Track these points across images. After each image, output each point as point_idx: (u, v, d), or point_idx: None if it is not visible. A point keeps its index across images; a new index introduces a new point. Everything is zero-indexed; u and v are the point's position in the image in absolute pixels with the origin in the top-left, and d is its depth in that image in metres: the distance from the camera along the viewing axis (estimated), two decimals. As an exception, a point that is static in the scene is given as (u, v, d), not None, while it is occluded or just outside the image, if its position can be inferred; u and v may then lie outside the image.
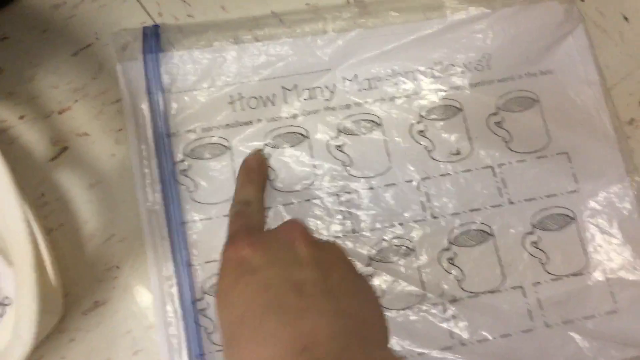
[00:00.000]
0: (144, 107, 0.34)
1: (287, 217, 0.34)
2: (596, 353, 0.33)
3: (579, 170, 0.36)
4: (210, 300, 0.32)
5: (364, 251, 0.34)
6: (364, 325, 0.23)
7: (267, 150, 0.35)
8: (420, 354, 0.33)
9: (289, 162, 0.35)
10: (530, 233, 0.35)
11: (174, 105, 0.35)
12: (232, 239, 0.27)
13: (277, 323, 0.21)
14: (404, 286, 0.34)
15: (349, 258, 0.27)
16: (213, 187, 0.34)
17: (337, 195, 0.35)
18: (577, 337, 0.33)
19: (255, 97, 0.36)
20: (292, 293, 0.23)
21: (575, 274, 0.35)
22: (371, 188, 0.35)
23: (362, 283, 0.26)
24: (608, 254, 0.35)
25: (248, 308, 0.23)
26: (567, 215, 0.35)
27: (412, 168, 0.35)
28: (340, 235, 0.34)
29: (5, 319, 0.31)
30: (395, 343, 0.33)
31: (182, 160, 0.34)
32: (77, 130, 0.35)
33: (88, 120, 0.35)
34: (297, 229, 0.26)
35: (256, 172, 0.33)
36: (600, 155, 0.37)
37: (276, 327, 0.21)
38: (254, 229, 0.28)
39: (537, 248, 0.35)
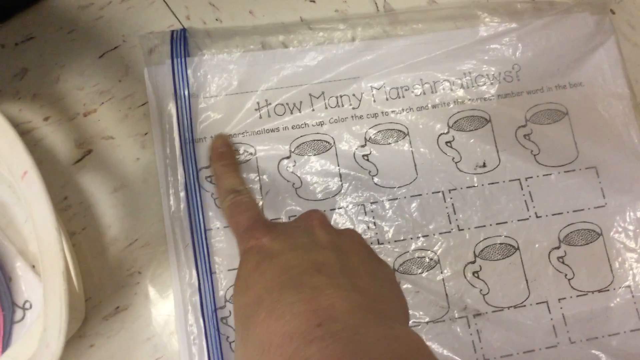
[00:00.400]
0: (171, 111, 0.34)
1: (311, 226, 0.34)
2: (621, 371, 0.32)
3: (606, 185, 0.36)
4: (231, 309, 0.32)
5: (389, 263, 0.34)
6: (382, 303, 0.23)
7: (293, 157, 0.34)
8: (443, 367, 0.32)
9: (314, 170, 0.34)
10: (557, 248, 0.34)
11: (200, 111, 0.34)
12: (249, 230, 0.26)
13: (293, 298, 0.21)
14: (428, 299, 0.33)
15: (368, 244, 0.27)
16: (237, 193, 0.34)
17: (362, 205, 0.34)
18: (601, 355, 0.33)
19: (282, 104, 0.35)
20: (310, 272, 0.22)
21: (600, 290, 0.34)
22: (396, 199, 0.35)
23: (381, 266, 0.26)
24: (634, 270, 0.35)
25: (266, 289, 0.22)
26: (594, 231, 0.35)
27: (438, 179, 0.35)
28: (364, 245, 0.34)
29: (28, 323, 0.31)
30: (419, 356, 0.32)
31: (207, 167, 0.34)
32: (102, 133, 0.34)
33: (113, 124, 0.34)
34: (316, 216, 0.27)
35: (228, 156, 0.33)
36: (628, 170, 0.36)
37: (292, 303, 0.21)
38: (264, 217, 0.28)
39: (563, 263, 0.34)
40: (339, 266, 0.23)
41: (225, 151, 0.33)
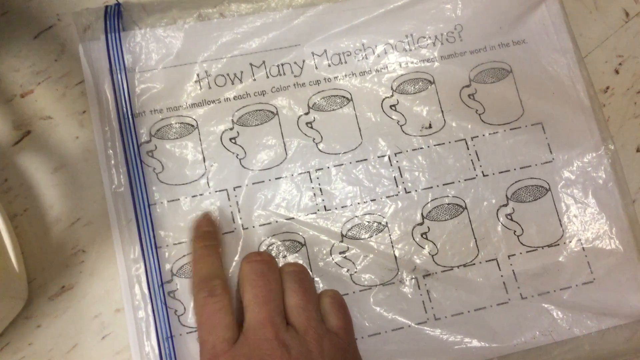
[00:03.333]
0: (107, 87, 0.32)
1: (258, 197, 0.33)
2: (571, 324, 0.32)
3: (553, 140, 0.35)
4: (179, 282, 0.31)
5: (336, 228, 0.33)
6: None
7: (236, 128, 0.33)
8: (394, 329, 0.31)
9: (257, 140, 0.33)
10: (505, 205, 0.34)
11: (138, 84, 0.33)
12: (213, 355, 0.26)
13: None
14: (377, 262, 0.32)
15: (344, 333, 0.28)
16: (180, 167, 0.32)
17: (308, 172, 0.33)
18: (552, 308, 0.32)
19: (222, 75, 0.34)
20: None
21: (550, 245, 0.33)
22: (342, 164, 0.34)
23: None
24: (584, 224, 0.34)
25: None
26: (542, 187, 0.34)
27: (383, 143, 0.34)
28: (311, 212, 0.33)
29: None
30: (369, 320, 0.31)
31: (148, 141, 0.33)
32: (40, 113, 0.33)
33: (51, 103, 0.33)
34: (276, 355, 0.25)
35: (212, 237, 0.30)
36: (574, 124, 0.35)
37: None
38: (227, 347, 0.26)
39: (512, 220, 0.33)
40: None
41: (210, 231, 0.31)
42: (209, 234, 0.30)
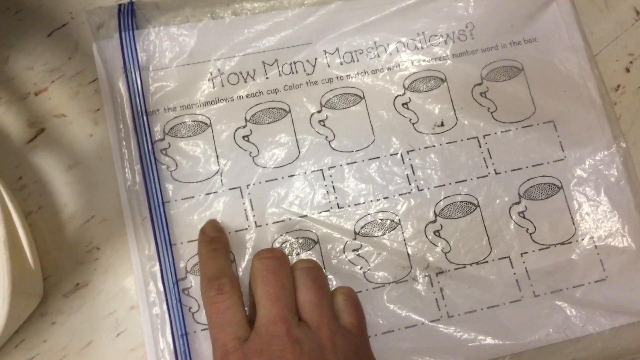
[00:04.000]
0: (121, 85, 0.32)
1: (271, 194, 0.32)
2: (585, 321, 0.31)
3: (565, 138, 0.34)
4: (194, 280, 0.31)
5: (349, 226, 0.32)
6: None
7: (249, 126, 0.33)
8: (408, 327, 0.31)
9: (270, 138, 0.33)
10: (517, 203, 0.33)
11: (152, 83, 0.33)
12: (224, 353, 0.26)
13: None
14: (390, 260, 0.32)
15: (356, 330, 0.28)
16: (194, 165, 0.32)
17: (321, 170, 0.33)
18: (565, 306, 0.32)
19: (235, 73, 0.34)
20: None
21: (562, 243, 0.33)
22: (355, 162, 0.33)
23: None
24: (596, 221, 0.34)
25: None
26: (554, 184, 0.34)
27: (396, 141, 0.34)
28: (324, 210, 0.33)
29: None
30: (383, 317, 0.31)
31: (162, 139, 0.33)
32: (54, 111, 0.33)
33: (65, 101, 0.33)
34: (288, 351, 0.25)
35: (218, 241, 0.30)
36: (586, 122, 0.35)
37: None
38: (239, 344, 0.26)
39: (524, 218, 0.33)
40: None
41: (216, 237, 0.30)
42: (216, 239, 0.30)
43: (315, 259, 0.32)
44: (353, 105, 0.34)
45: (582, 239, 0.33)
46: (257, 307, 0.27)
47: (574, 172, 0.34)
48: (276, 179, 0.33)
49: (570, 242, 0.33)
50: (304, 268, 0.29)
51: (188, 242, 0.31)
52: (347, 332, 0.28)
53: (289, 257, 0.32)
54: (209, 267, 0.29)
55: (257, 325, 0.27)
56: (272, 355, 0.25)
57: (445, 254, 0.32)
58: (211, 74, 0.33)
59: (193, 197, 0.32)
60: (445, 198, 0.33)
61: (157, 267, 0.30)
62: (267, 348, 0.25)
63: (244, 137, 0.33)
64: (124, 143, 0.32)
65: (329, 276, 0.32)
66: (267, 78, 0.34)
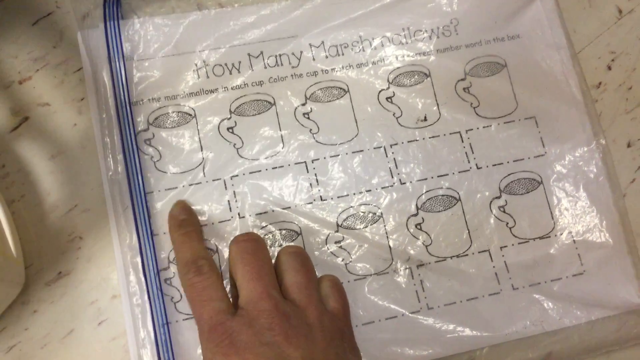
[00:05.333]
0: (105, 75, 0.32)
1: (255, 186, 0.32)
2: (562, 314, 0.32)
3: (545, 134, 0.34)
4: (175, 270, 0.31)
5: (332, 218, 0.32)
6: None
7: (234, 118, 0.33)
8: (388, 318, 0.31)
9: (254, 130, 0.33)
10: (497, 197, 0.33)
11: (136, 73, 0.32)
12: (214, 334, 0.25)
13: None
14: (372, 252, 0.32)
15: (341, 313, 0.28)
16: (177, 156, 0.32)
17: (304, 162, 0.33)
18: (542, 299, 0.32)
19: (220, 65, 0.33)
20: None
21: (541, 237, 0.33)
22: (338, 155, 0.33)
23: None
24: (574, 217, 0.34)
25: None
26: (534, 180, 0.34)
27: (379, 134, 0.34)
28: (307, 202, 0.32)
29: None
30: (363, 308, 0.31)
31: (146, 129, 0.32)
32: (38, 100, 0.32)
33: (49, 90, 0.32)
34: (276, 323, 0.25)
35: (189, 223, 0.29)
36: (567, 119, 0.35)
37: None
38: (225, 317, 0.25)
39: (504, 212, 0.33)
40: None
41: (186, 219, 0.29)
42: (186, 221, 0.29)
43: (297, 250, 0.32)
44: (337, 99, 0.34)
45: (561, 234, 0.33)
46: (240, 289, 0.27)
47: (554, 168, 0.34)
48: (260, 171, 0.33)
49: (549, 237, 0.33)
50: (290, 253, 0.28)
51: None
52: (334, 316, 0.27)
53: (271, 248, 0.32)
54: (183, 251, 0.28)
55: (242, 303, 0.26)
56: (261, 327, 0.25)
57: (426, 246, 0.32)
58: (196, 65, 0.33)
59: (176, 187, 0.32)
60: (427, 192, 0.33)
61: (138, 257, 0.30)
62: (255, 322, 0.25)
63: (228, 128, 0.33)
64: (107, 132, 0.31)
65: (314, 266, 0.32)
66: (252, 70, 0.34)
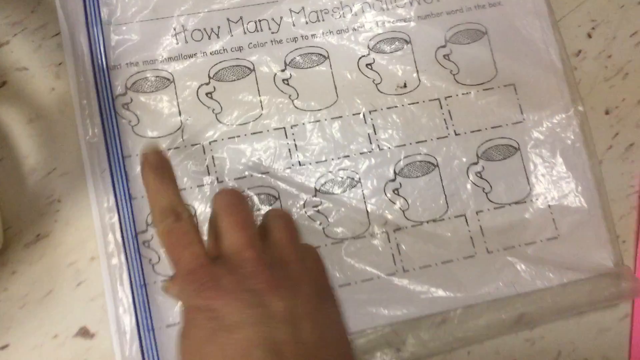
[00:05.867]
0: (83, 40, 0.32)
1: (233, 151, 0.32)
2: (534, 277, 0.32)
3: (524, 101, 0.34)
4: (154, 233, 0.31)
5: (310, 183, 0.32)
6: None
7: (213, 83, 0.33)
8: (364, 280, 0.32)
9: (233, 95, 0.33)
10: (475, 163, 0.34)
11: (114, 37, 0.32)
12: (193, 278, 0.24)
13: None
14: (350, 216, 0.32)
15: (321, 275, 0.26)
16: (156, 121, 0.32)
17: (284, 128, 0.33)
18: (516, 262, 0.32)
19: (199, 30, 0.33)
20: (271, 355, 0.22)
21: (517, 202, 0.33)
22: (317, 121, 0.33)
23: (331, 309, 0.26)
24: (551, 182, 0.34)
25: None
26: (512, 146, 0.34)
27: (359, 101, 0.34)
28: (286, 167, 0.33)
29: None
30: (340, 271, 0.32)
31: (124, 94, 0.32)
32: (15, 64, 0.32)
33: (27, 55, 0.32)
34: (260, 272, 0.24)
35: (164, 168, 0.27)
36: (546, 86, 0.35)
37: None
38: (208, 261, 0.24)
39: (481, 178, 0.33)
40: (296, 345, 0.23)
41: (160, 164, 0.27)
42: (159, 166, 0.27)
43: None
44: (317, 65, 0.34)
45: (537, 199, 0.34)
46: (222, 239, 0.25)
47: (531, 134, 0.34)
48: (239, 136, 0.32)
49: (525, 202, 0.33)
50: (278, 215, 0.28)
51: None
52: (315, 273, 0.27)
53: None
54: (160, 198, 0.26)
55: (224, 252, 0.25)
56: (244, 274, 0.24)
57: (403, 211, 0.33)
58: (174, 30, 0.33)
59: (155, 151, 0.32)
60: (405, 157, 0.33)
61: (116, 220, 0.30)
62: (238, 269, 0.24)
63: (207, 93, 0.33)
64: (85, 97, 0.31)
65: (289, 231, 0.32)
66: (231, 36, 0.33)
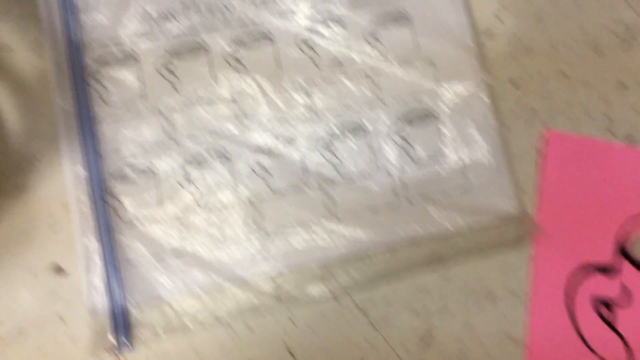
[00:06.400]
0: (59, 23, 0.37)
1: (190, 117, 0.37)
2: (448, 222, 0.37)
3: (441, 75, 0.39)
4: (119, 186, 0.36)
5: (254, 141, 0.37)
6: None
7: (173, 60, 0.38)
8: (299, 226, 0.36)
9: (188, 74, 0.38)
10: (399, 128, 0.39)
11: (87, 21, 0.38)
12: None
13: None
14: (288, 171, 0.37)
15: None
16: (121, 91, 0.37)
17: (234, 99, 0.38)
18: (432, 208, 0.37)
19: (158, 12, 0.38)
20: None
21: (435, 162, 0.38)
22: (267, 94, 0.38)
23: None
24: (464, 144, 0.39)
25: None
26: (431, 114, 0.39)
27: (300, 77, 0.39)
28: (234, 131, 0.37)
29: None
30: (275, 219, 0.36)
31: (92, 67, 0.37)
32: (3, 46, 0.37)
33: (13, 37, 0.37)
34: None
35: None
36: (459, 61, 0.40)
37: None
38: None
39: (405, 140, 0.39)
40: None
41: None
42: None
43: (226, 173, 0.37)
44: (264, 45, 0.39)
45: (451, 158, 0.38)
46: None
47: (448, 103, 0.39)
48: (195, 104, 0.38)
49: (441, 161, 0.38)
50: None
51: (114, 153, 0.36)
52: None
53: (204, 170, 0.37)
54: None
55: None
56: None
57: (337, 168, 0.38)
58: (136, 11, 0.38)
59: (121, 119, 0.37)
60: (339, 123, 0.38)
61: (85, 173, 0.35)
62: None
63: (168, 69, 0.38)
64: (61, 72, 0.36)
65: (240, 185, 0.37)
66: (187, 19, 0.39)
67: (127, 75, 0.37)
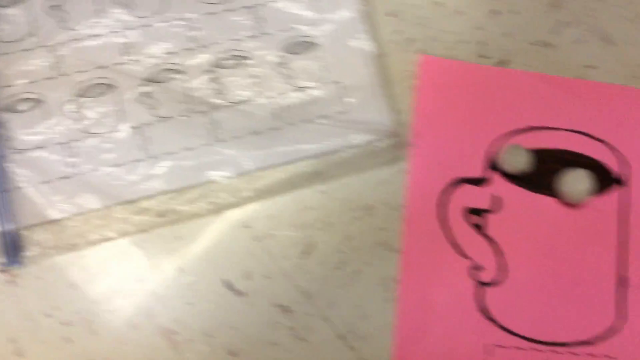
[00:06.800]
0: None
1: (77, 50, 0.39)
2: (324, 139, 0.39)
3: (322, 3, 0.41)
4: (8, 115, 0.37)
5: (143, 74, 0.39)
6: None
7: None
8: (188, 149, 0.38)
9: (79, 6, 0.39)
10: (282, 56, 0.41)
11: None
12: None
13: None
14: (174, 99, 0.39)
15: None
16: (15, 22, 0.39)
17: (122, 33, 0.40)
18: (312, 129, 0.39)
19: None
20: None
21: (315, 87, 0.40)
22: (151, 25, 0.40)
23: None
24: (343, 68, 0.40)
25: None
26: (312, 42, 0.41)
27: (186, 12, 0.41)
28: (121, 63, 0.39)
29: None
30: (161, 143, 0.38)
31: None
32: None
33: None
34: None
35: None
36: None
37: None
38: None
39: (287, 68, 0.41)
40: None
41: None
42: None
43: (112, 99, 0.39)
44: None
45: (330, 82, 0.41)
46: None
47: (328, 33, 0.41)
48: (81, 39, 0.39)
49: (320, 87, 0.40)
50: None
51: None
52: None
53: (81, 98, 0.38)
54: None
55: None
56: None
57: (220, 94, 0.40)
58: None
59: (7, 53, 0.38)
60: (222, 52, 0.40)
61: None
62: None
63: (51, 6, 0.39)
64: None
65: (123, 111, 0.38)
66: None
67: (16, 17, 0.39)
